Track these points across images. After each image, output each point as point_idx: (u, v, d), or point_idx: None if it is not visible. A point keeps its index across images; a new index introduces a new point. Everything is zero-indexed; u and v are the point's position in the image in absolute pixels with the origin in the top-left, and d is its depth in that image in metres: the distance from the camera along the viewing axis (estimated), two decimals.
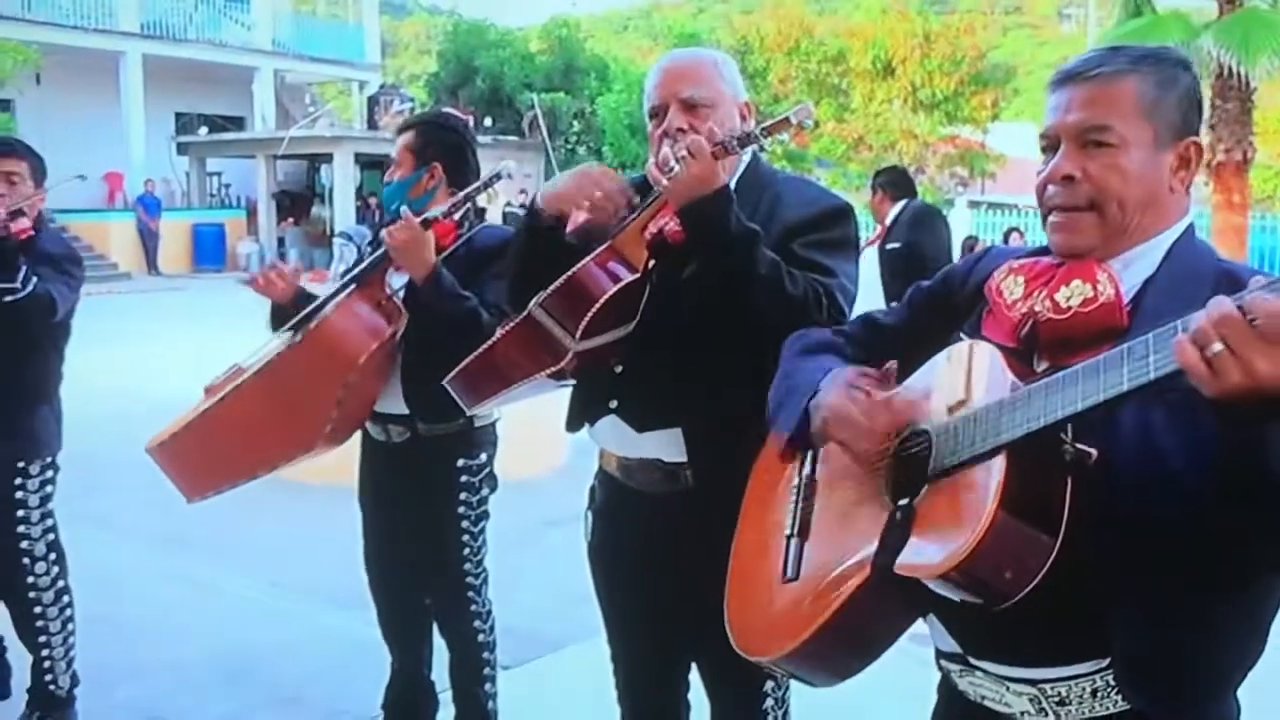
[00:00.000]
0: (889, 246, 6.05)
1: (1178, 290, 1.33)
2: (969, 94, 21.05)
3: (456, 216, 2.75)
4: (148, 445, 2.83)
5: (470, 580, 2.98)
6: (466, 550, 2.95)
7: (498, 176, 2.65)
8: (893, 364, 1.53)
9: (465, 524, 2.94)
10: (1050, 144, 1.42)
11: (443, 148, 2.91)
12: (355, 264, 3.09)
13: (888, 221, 6.23)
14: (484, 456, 2.96)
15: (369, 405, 2.84)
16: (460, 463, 2.91)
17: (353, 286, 2.75)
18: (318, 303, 2.83)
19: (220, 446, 2.78)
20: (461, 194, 2.70)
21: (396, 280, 2.77)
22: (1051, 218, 1.41)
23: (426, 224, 2.65)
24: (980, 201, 22.04)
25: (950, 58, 20.62)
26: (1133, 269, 1.38)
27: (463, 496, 2.92)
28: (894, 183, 6.43)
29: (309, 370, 2.68)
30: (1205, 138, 14.93)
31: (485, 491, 2.97)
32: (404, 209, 2.72)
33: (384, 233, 2.68)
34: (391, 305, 2.75)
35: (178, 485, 2.85)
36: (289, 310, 2.89)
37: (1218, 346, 1.04)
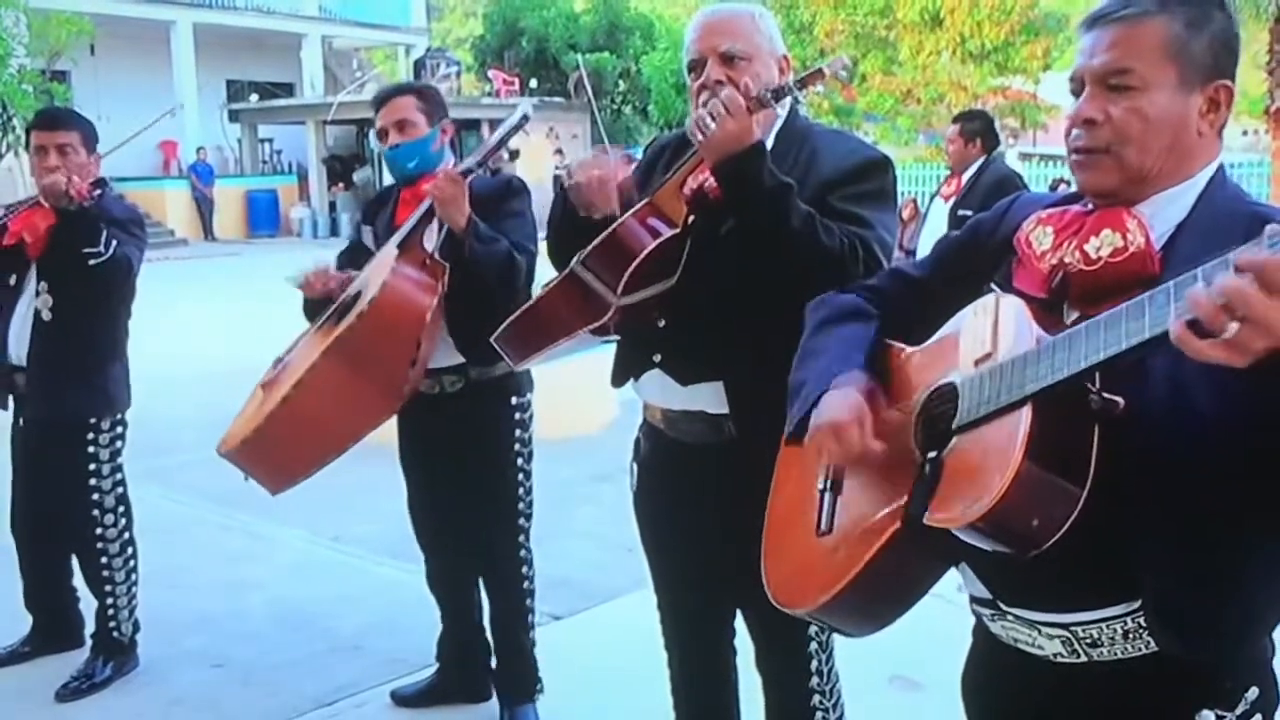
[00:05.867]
0: (962, 212, 5.52)
1: (1210, 235, 1.32)
2: (1020, 44, 20.62)
3: (491, 165, 2.83)
4: (220, 449, 2.87)
5: (522, 523, 3.10)
6: (520, 489, 3.08)
7: (526, 118, 2.71)
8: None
9: (520, 460, 3.07)
10: (1077, 87, 1.41)
11: (444, 110, 3.05)
12: (354, 249, 3.16)
13: (966, 178, 5.77)
14: (529, 396, 3.09)
15: (427, 363, 2.92)
16: (513, 400, 3.04)
17: (396, 252, 2.82)
18: (354, 282, 2.90)
19: (300, 436, 2.82)
20: (493, 141, 2.77)
21: (428, 241, 2.85)
22: (1073, 158, 1.41)
23: (465, 175, 2.74)
24: (1032, 153, 21.66)
25: (1000, 7, 20.18)
26: (1163, 214, 1.37)
27: (517, 433, 3.06)
28: (984, 132, 5.85)
29: (380, 338, 2.74)
30: (1263, 83, 14.55)
31: (533, 428, 3.10)
32: (444, 165, 2.82)
33: (428, 187, 2.76)
34: (435, 263, 2.82)
35: (261, 482, 2.88)
36: (320, 301, 2.97)
37: (1234, 326, 1.02)
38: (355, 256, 3.11)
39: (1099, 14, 1.40)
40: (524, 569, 3.11)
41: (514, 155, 2.82)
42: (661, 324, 2.13)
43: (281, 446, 2.84)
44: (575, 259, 2.08)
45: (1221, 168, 1.42)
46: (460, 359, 2.94)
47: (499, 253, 2.76)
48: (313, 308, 3.02)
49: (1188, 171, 1.39)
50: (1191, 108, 1.37)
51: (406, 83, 3.29)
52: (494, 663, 3.27)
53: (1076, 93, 1.42)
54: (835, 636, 2.24)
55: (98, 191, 3.21)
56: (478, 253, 2.74)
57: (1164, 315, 1.10)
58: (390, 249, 2.84)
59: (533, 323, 2.18)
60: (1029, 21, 20.66)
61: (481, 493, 3.09)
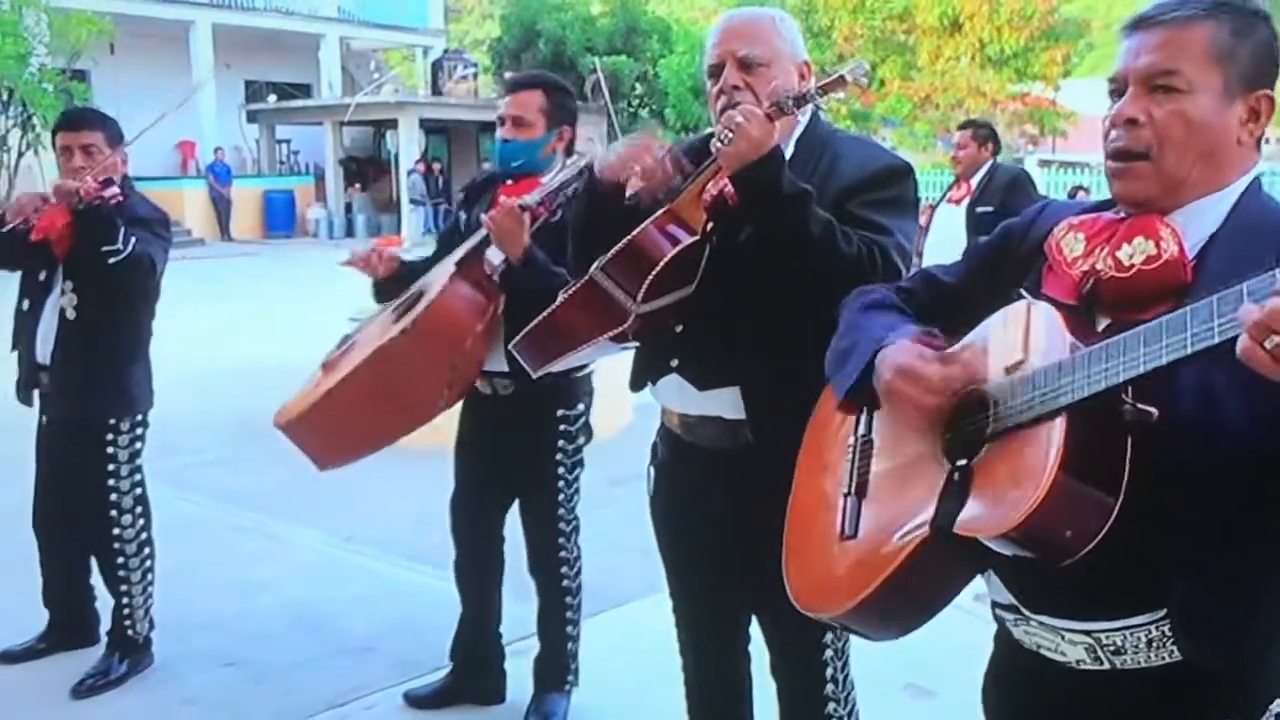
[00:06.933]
0: (981, 209, 5.94)
1: (1243, 246, 1.32)
2: (1039, 49, 20.56)
3: (551, 206, 2.82)
4: (276, 420, 2.97)
5: (562, 526, 3.12)
6: (561, 496, 3.10)
7: (588, 168, 2.69)
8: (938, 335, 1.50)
9: (561, 470, 3.08)
10: (1118, 89, 1.40)
11: (570, 115, 3.02)
12: (451, 231, 3.19)
13: (975, 181, 6.11)
14: (581, 407, 3.10)
15: (478, 370, 2.98)
16: (560, 412, 3.05)
17: (454, 269, 2.84)
18: (419, 283, 2.95)
19: (343, 425, 2.93)
20: (555, 185, 2.76)
21: (495, 255, 2.85)
22: (1110, 164, 1.40)
23: (523, 209, 2.73)
24: (1051, 160, 21.58)
25: (1020, 12, 20.13)
26: (1196, 223, 1.37)
27: (560, 444, 3.07)
28: (993, 136, 6.33)
29: (417, 355, 2.80)
30: None
31: (581, 440, 3.12)
32: (503, 197, 2.82)
33: (485, 218, 2.78)
34: (491, 284, 2.85)
35: (310, 457, 3.00)
36: (391, 283, 3.03)
37: (1277, 339, 1.02)
38: (452, 238, 3.12)
39: (1145, 16, 1.39)
40: (563, 569, 3.15)
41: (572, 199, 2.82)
42: (679, 329, 2.12)
43: (326, 431, 2.95)
44: (594, 265, 2.07)
45: (1257, 178, 1.41)
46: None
47: (553, 286, 2.72)
48: (380, 289, 3.08)
49: (1223, 180, 1.38)
50: (1233, 115, 1.37)
51: (542, 76, 3.14)
52: (514, 662, 3.29)
53: (1118, 94, 1.40)
54: (850, 644, 2.24)
55: (112, 190, 3.19)
56: (529, 284, 2.73)
57: (1207, 330, 1.09)
58: (449, 264, 2.87)
59: (552, 330, 2.18)
60: (1049, 27, 20.60)
61: (522, 496, 3.14)
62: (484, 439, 3.14)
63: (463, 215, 3.17)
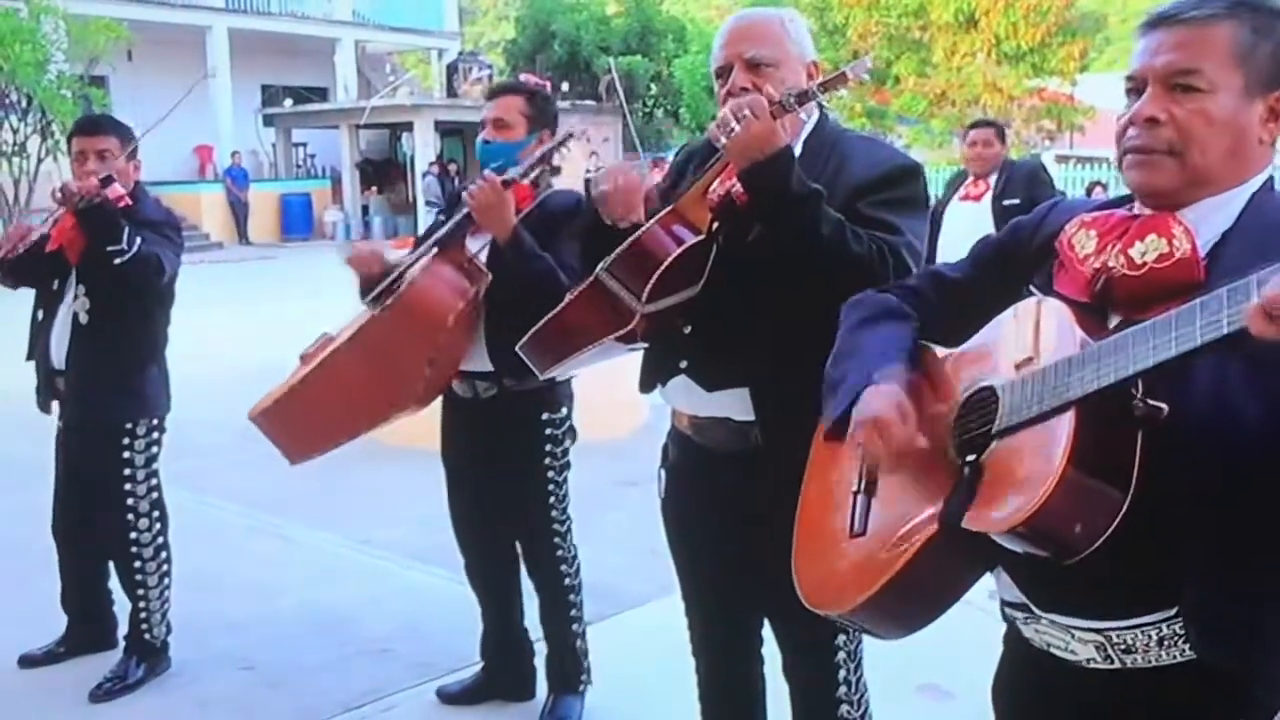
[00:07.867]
0: (1007, 203, 5.97)
1: (1257, 244, 1.31)
2: (1056, 45, 20.44)
3: (533, 177, 2.84)
4: (250, 413, 2.95)
5: (556, 527, 3.12)
6: (552, 499, 3.10)
7: (569, 136, 2.73)
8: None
9: (550, 474, 3.08)
10: (1136, 87, 1.39)
11: (550, 119, 3.05)
12: (435, 227, 3.19)
13: (994, 178, 6.17)
14: (565, 410, 3.10)
15: (457, 365, 2.97)
16: (544, 416, 3.05)
17: (435, 250, 2.84)
18: (401, 268, 2.93)
19: (320, 411, 2.91)
20: (538, 155, 2.77)
21: (474, 244, 2.86)
22: (1128, 158, 1.39)
23: (506, 185, 2.73)
24: (1068, 156, 21.45)
25: (1036, 7, 20.01)
26: (1209, 221, 1.36)
27: (548, 448, 3.07)
28: (1004, 133, 6.47)
29: (400, 333, 2.78)
30: None
31: (567, 443, 3.12)
32: (486, 170, 2.81)
33: (466, 194, 2.77)
34: (473, 266, 2.84)
35: (281, 449, 2.98)
36: (377, 282, 3.01)
37: None
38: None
39: (1165, 14, 1.38)
40: (562, 568, 3.15)
41: (556, 171, 2.82)
42: (687, 330, 2.12)
43: (300, 420, 2.93)
44: (600, 266, 2.07)
45: (1271, 178, 1.40)
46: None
47: (539, 270, 2.74)
48: (367, 287, 3.07)
49: (1240, 179, 1.37)
50: (1254, 115, 1.36)
51: (523, 83, 3.23)
52: (540, 659, 3.31)
53: (1135, 93, 1.39)
54: (863, 645, 2.23)
55: (114, 188, 3.18)
56: (515, 265, 2.74)
57: (1216, 322, 1.09)
58: (430, 246, 2.87)
59: (558, 331, 2.17)
60: (1065, 22, 20.48)
61: (512, 499, 3.12)
62: (468, 444, 3.13)
63: (443, 219, 3.15)
